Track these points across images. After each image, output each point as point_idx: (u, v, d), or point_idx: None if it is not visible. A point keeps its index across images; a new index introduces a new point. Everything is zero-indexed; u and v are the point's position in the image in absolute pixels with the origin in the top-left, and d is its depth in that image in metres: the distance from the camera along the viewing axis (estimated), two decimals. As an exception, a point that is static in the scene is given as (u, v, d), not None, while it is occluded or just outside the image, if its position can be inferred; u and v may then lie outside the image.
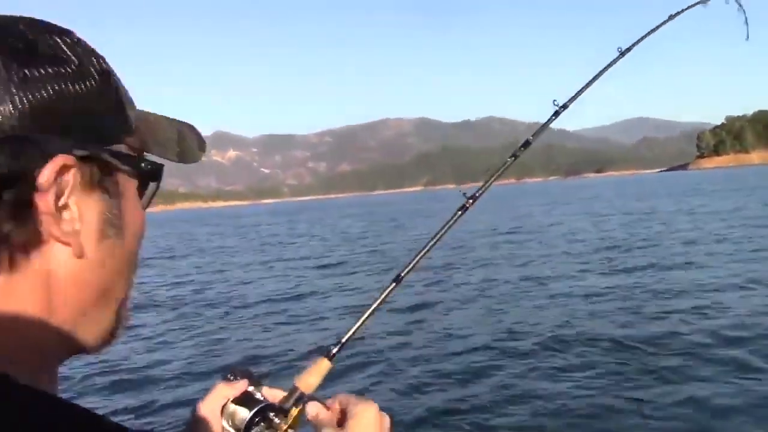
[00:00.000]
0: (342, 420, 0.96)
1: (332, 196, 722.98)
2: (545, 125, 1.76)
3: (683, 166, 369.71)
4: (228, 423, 1.04)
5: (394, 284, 1.28)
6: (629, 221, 27.87)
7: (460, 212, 1.41)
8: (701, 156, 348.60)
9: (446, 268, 16.37)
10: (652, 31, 1.97)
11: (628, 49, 1.86)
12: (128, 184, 0.69)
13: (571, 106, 1.69)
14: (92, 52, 0.67)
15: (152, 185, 0.74)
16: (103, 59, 0.67)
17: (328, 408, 1.00)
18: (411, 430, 6.37)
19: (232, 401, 1.05)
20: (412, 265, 1.31)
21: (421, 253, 1.32)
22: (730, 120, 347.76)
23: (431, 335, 9.90)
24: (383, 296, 1.24)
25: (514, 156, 1.66)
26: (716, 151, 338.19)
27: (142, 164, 0.70)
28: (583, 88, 1.77)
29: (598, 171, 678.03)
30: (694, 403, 6.26)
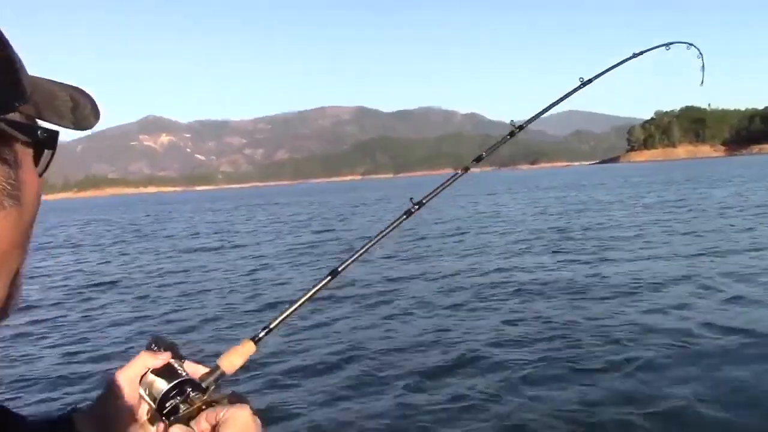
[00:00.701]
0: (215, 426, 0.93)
1: (269, 183, 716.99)
2: (496, 145, 1.80)
3: (615, 159, 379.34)
4: (145, 392, 1.01)
5: (329, 278, 1.27)
6: (565, 211, 27.89)
7: (404, 216, 1.41)
8: (632, 149, 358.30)
9: (387, 263, 15.76)
10: (615, 66, 2.06)
11: (590, 81, 1.92)
12: (24, 154, 0.66)
13: (528, 126, 1.75)
14: None
15: (47, 153, 0.70)
16: None
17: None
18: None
19: (152, 371, 1.03)
20: (349, 261, 1.31)
21: (361, 251, 1.32)
22: (659, 115, 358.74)
23: (361, 333, 9.41)
24: (316, 288, 1.23)
25: (466, 168, 1.66)
26: (645, 145, 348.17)
27: (38, 132, 0.67)
28: (541, 111, 1.82)
29: (533, 163, 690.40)
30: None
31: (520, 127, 1.69)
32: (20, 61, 0.64)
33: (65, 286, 16.08)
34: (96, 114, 0.78)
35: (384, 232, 1.38)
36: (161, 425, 0.98)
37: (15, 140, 0.63)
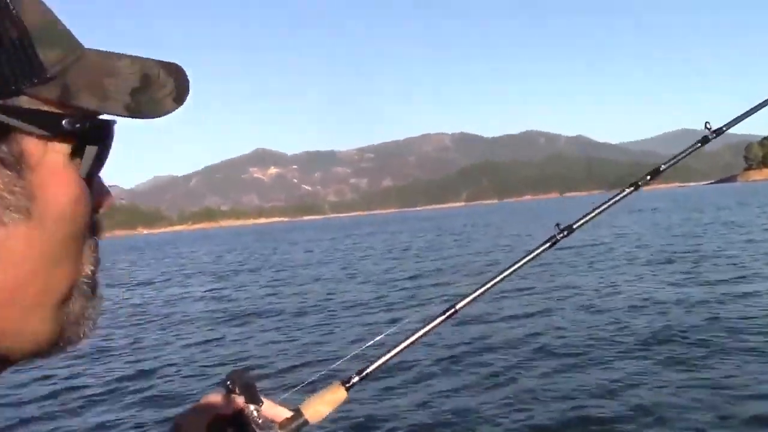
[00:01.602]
0: None
1: (375, 212, 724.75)
2: (683, 154, 1.55)
3: (732, 178, 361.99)
4: None
5: (443, 317, 1.13)
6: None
7: (547, 245, 1.22)
8: (749, 168, 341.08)
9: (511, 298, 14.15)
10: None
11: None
12: (47, 151, 0.52)
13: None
14: None
15: (90, 149, 0.56)
16: None
17: None
18: None
19: (221, 418, 0.94)
20: (470, 298, 1.15)
21: (487, 285, 1.15)
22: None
23: (472, 379, 8.37)
24: (428, 328, 1.10)
25: (636, 185, 1.44)
26: (765, 162, 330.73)
27: (65, 122, 0.52)
28: (748, 112, 1.56)
29: (645, 185, 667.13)
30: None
31: (717, 132, 1.44)
32: (45, 27, 0.52)
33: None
34: (179, 96, 0.60)
35: (519, 263, 1.19)
36: None
37: (22, 133, 0.50)
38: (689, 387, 7.19)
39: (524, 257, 1.19)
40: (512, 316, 12.41)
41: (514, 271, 1.17)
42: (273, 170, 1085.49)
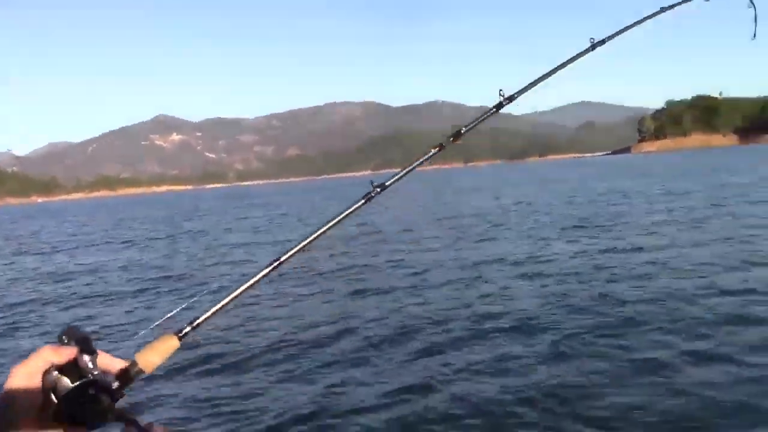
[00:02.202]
0: None
1: (281, 180, 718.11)
2: (480, 119, 1.59)
3: (626, 150, 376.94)
4: (50, 389, 0.92)
5: (268, 269, 1.15)
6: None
7: (363, 201, 1.28)
8: (642, 140, 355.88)
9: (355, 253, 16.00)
10: (638, 23, 1.67)
11: (602, 42, 1.61)
12: None
13: (520, 97, 1.46)
14: None
15: None
16: None
17: None
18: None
19: (55, 368, 0.93)
20: (294, 251, 1.17)
21: (308, 240, 1.19)
22: (670, 105, 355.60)
23: (297, 328, 9.26)
24: (254, 280, 1.12)
25: (441, 146, 1.49)
26: (657, 135, 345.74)
27: None
28: (539, 78, 1.55)
29: (542, 155, 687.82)
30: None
31: (510, 98, 1.47)
32: None
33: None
34: None
35: (337, 219, 1.24)
36: (64, 428, 0.90)
37: None
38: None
39: (343, 212, 1.23)
40: (333, 270, 13.85)
41: (332, 226, 1.21)
42: (175, 137, 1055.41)
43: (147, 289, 14.21)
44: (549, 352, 7.21)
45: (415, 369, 7.03)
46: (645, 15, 1.69)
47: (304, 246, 1.17)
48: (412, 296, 10.94)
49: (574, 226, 19.19)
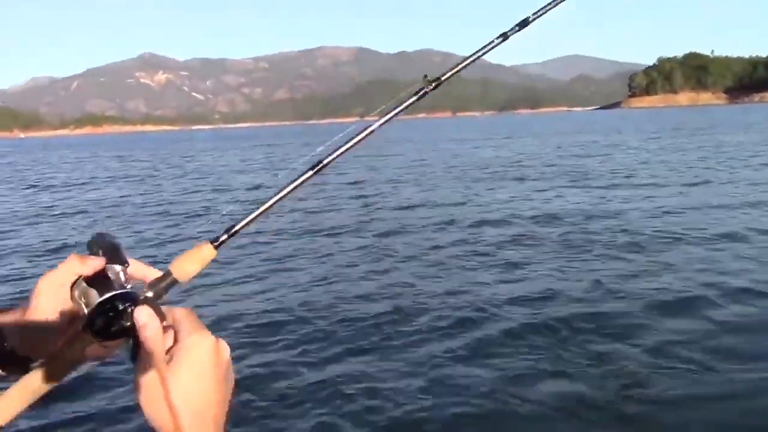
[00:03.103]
0: (170, 346, 0.81)
1: (267, 123, 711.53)
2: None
3: (615, 105, 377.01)
4: (81, 300, 0.87)
5: (310, 173, 1.09)
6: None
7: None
8: (633, 95, 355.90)
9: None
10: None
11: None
12: None
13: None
14: None
15: None
16: None
17: (163, 320, 0.82)
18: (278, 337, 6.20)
19: (84, 279, 0.88)
20: (336, 154, 1.12)
21: (349, 145, 1.13)
22: (662, 61, 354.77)
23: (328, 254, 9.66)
24: (293, 185, 1.06)
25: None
26: (647, 91, 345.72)
27: None
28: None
29: (533, 107, 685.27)
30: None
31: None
32: None
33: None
34: None
35: (374, 126, 1.20)
36: (96, 341, 0.84)
37: None
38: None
39: (369, 126, 1.20)
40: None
41: (366, 136, 1.16)
42: (162, 76, 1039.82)
43: (176, 212, 14.57)
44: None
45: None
46: None
47: (346, 150, 1.14)
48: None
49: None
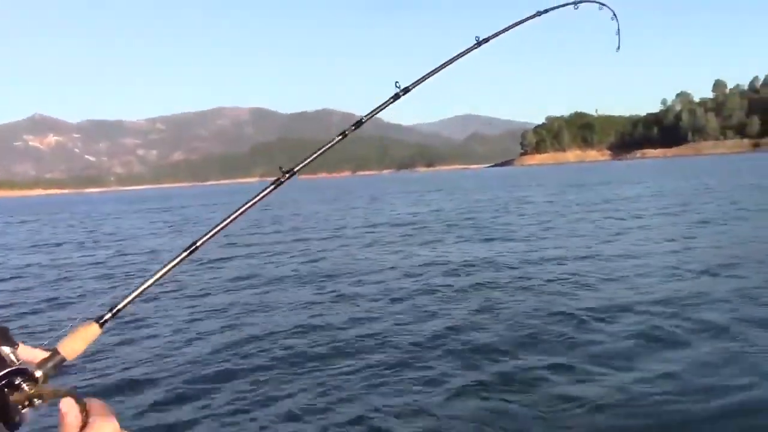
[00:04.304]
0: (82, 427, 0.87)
1: (164, 185, 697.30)
2: (383, 106, 1.63)
3: (509, 162, 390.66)
4: None
5: (186, 253, 1.18)
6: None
7: (272, 186, 1.36)
8: (525, 153, 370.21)
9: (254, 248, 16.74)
10: (517, 24, 1.83)
11: (486, 40, 1.71)
12: None
13: (413, 90, 1.53)
14: None
15: None
16: None
17: (81, 411, 0.88)
18: (167, 408, 6.30)
19: None
20: (210, 235, 1.21)
21: (222, 224, 1.22)
22: (551, 120, 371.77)
23: (213, 315, 9.84)
24: (171, 264, 1.14)
25: (343, 134, 1.55)
26: (538, 149, 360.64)
27: None
28: (430, 72, 1.64)
29: (429, 165, 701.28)
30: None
31: (406, 90, 1.55)
32: None
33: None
34: None
35: (248, 204, 1.30)
36: None
37: None
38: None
39: (254, 197, 1.31)
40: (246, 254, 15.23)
41: (244, 211, 1.28)
42: (52, 138, 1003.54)
43: (62, 283, 14.32)
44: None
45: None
46: (523, 17, 1.86)
47: (219, 230, 1.20)
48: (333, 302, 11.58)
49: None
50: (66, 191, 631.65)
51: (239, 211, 1.26)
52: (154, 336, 8.90)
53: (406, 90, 1.59)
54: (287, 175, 1.36)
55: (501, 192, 48.40)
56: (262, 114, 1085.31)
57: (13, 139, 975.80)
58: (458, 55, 1.66)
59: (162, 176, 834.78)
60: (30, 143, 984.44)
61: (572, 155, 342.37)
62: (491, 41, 1.72)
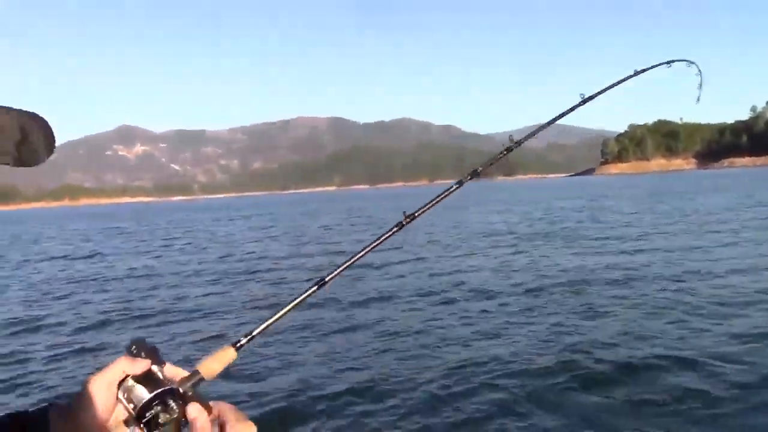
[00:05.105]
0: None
1: (245, 194, 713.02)
2: (493, 160, 1.80)
3: (589, 171, 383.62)
4: (124, 396, 1.02)
5: (315, 287, 1.28)
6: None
7: (396, 228, 1.42)
8: (606, 162, 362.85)
9: (375, 275, 16.26)
10: (618, 83, 2.07)
11: (591, 97, 1.93)
12: None
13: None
14: None
15: None
16: None
17: (209, 413, 0.99)
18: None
19: (132, 377, 1.03)
20: (337, 272, 1.31)
21: (349, 262, 1.32)
22: (633, 128, 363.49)
23: (343, 344, 9.77)
24: (301, 297, 1.24)
25: (460, 182, 1.66)
26: (619, 157, 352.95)
27: None
28: (540, 128, 1.88)
29: (508, 174, 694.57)
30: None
31: (518, 143, 1.74)
32: None
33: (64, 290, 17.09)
34: (49, 146, 0.73)
35: (373, 244, 1.38)
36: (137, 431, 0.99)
37: None
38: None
39: (380, 238, 1.38)
40: (375, 289, 14.33)
41: (369, 251, 1.36)
42: (139, 148, 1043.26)
43: (198, 305, 14.46)
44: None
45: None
46: (625, 76, 2.11)
47: (346, 267, 1.30)
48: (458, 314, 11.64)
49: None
50: (152, 199, 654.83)
51: (366, 250, 1.35)
52: (282, 357, 9.14)
53: (519, 143, 1.81)
54: (408, 220, 1.42)
55: (603, 201, 47.63)
56: (340, 123, 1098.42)
57: (103, 149, 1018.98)
58: (567, 111, 1.91)
59: (243, 185, 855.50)
60: (119, 153, 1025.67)
61: (656, 164, 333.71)
62: (596, 98, 1.95)
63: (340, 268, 1.31)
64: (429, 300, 12.82)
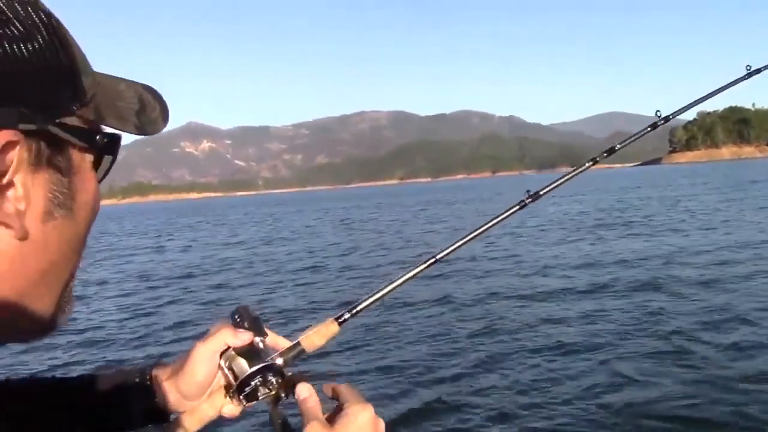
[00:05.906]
0: (331, 415, 0.94)
1: (309, 188, 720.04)
2: (636, 136, 1.70)
3: (657, 161, 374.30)
4: (226, 365, 1.04)
5: (425, 265, 1.23)
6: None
7: (516, 207, 1.37)
8: (674, 151, 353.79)
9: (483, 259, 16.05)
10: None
11: (758, 71, 1.74)
12: (82, 161, 0.64)
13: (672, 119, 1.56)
14: (38, 8, 0.58)
15: (107, 159, 0.68)
16: (53, 17, 0.59)
17: (326, 394, 0.98)
18: (401, 416, 6.29)
19: (234, 349, 1.04)
20: (450, 249, 1.26)
21: (463, 240, 1.27)
22: (702, 116, 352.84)
23: (450, 324, 9.64)
24: (411, 274, 1.19)
25: (594, 160, 1.60)
26: (688, 146, 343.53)
27: (97, 138, 0.65)
28: (696, 101, 1.69)
29: (572, 165, 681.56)
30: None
31: (666, 119, 1.58)
32: (83, 57, 0.62)
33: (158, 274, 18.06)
34: (165, 117, 0.75)
35: (492, 222, 1.31)
36: (236, 402, 1.02)
37: (71, 146, 0.62)
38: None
39: (496, 217, 1.32)
40: (487, 270, 14.46)
41: (489, 228, 1.29)
42: (206, 145, 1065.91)
43: (305, 277, 15.81)
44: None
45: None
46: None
47: (459, 246, 1.26)
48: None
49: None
50: (218, 194, 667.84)
51: (481, 229, 1.28)
52: (385, 335, 9.17)
53: (667, 119, 1.64)
54: (531, 199, 1.37)
55: (680, 191, 46.36)
56: (401, 117, 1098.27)
57: (170, 146, 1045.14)
58: (728, 84, 1.72)
59: (306, 180, 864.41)
60: (186, 149, 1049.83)
61: (727, 152, 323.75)
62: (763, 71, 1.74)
63: (454, 246, 1.25)
64: (547, 290, 12.08)
